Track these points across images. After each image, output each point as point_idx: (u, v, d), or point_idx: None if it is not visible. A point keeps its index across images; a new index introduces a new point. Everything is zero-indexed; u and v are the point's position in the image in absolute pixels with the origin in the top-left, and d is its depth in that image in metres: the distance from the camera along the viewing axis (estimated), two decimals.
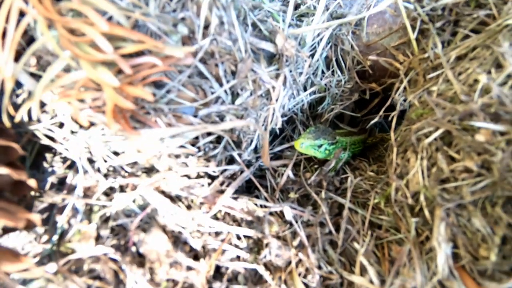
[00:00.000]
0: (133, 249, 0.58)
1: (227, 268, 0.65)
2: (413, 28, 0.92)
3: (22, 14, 0.51)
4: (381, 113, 0.93)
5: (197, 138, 0.71)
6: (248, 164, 0.87)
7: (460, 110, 0.65)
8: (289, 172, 0.92)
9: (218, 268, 0.65)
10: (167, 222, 0.60)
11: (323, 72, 1.07)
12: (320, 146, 0.95)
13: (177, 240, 0.61)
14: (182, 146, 0.65)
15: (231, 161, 0.85)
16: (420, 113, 0.78)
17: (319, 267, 0.73)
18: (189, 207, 0.67)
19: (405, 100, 0.89)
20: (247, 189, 0.92)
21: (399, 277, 0.67)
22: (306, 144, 0.93)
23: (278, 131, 1.11)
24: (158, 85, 0.63)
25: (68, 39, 0.47)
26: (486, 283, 0.56)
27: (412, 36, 0.90)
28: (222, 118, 0.75)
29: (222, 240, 0.66)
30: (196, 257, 0.64)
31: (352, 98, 1.13)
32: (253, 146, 0.87)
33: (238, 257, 0.68)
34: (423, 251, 0.68)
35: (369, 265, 0.69)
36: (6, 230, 0.52)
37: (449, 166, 0.67)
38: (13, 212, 0.44)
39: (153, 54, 0.55)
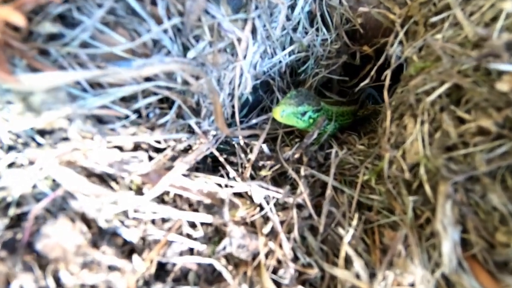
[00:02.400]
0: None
1: (174, 265, 0.50)
2: None
3: None
4: (372, 73, 0.78)
5: (136, 99, 0.55)
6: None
7: (474, 55, 0.50)
8: (262, 145, 0.76)
9: (163, 265, 0.51)
10: (86, 208, 0.45)
11: (305, 29, 0.90)
12: (303, 113, 0.79)
13: (103, 232, 0.46)
14: (107, 108, 0.49)
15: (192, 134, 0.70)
16: (420, 67, 0.62)
17: (295, 259, 0.60)
18: (129, 188, 0.52)
19: (400, 57, 0.73)
20: (215, 169, 0.77)
21: (393, 269, 0.53)
22: (288, 112, 0.77)
23: (251, 100, 0.95)
24: (69, 23, 0.46)
25: None
26: (506, 277, 0.43)
27: None
28: (171, 76, 0.59)
29: (169, 229, 0.52)
30: (132, 252, 0.49)
31: (339, 60, 0.96)
32: None
33: (191, 250, 0.54)
34: (422, 236, 0.54)
35: (355, 255, 0.56)
36: None
37: (457, 129, 0.52)
38: None
39: None
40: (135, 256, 0.46)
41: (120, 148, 0.51)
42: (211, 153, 0.72)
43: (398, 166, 0.61)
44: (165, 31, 0.54)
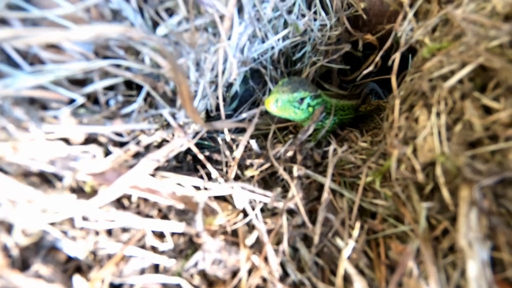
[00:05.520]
0: None
1: (132, 286, 0.41)
2: None
3: None
4: (377, 59, 0.68)
5: (91, 82, 0.45)
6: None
7: (506, 28, 0.40)
8: (250, 141, 0.67)
9: (118, 287, 0.41)
10: (12, 216, 0.36)
11: (301, 11, 0.80)
12: (301, 101, 0.69)
13: (38, 245, 0.37)
14: (43, 88, 0.39)
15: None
16: (435, 48, 0.52)
17: (285, 276, 0.50)
18: (75, 190, 0.43)
19: (410, 39, 0.63)
20: (198, 168, 0.67)
21: None
22: (283, 100, 0.67)
23: (242, 91, 0.85)
24: None
25: None
26: None
27: None
28: (137, 57, 0.49)
29: (127, 241, 0.42)
30: (79, 270, 0.40)
31: (339, 49, 0.87)
32: (195, 104, 0.61)
33: (156, 267, 0.44)
34: (439, 251, 0.45)
35: (356, 273, 0.46)
36: None
37: (483, 120, 0.42)
38: None
39: None
40: (76, 277, 0.36)
41: (67, 141, 0.41)
42: (190, 149, 0.62)
43: (408, 165, 0.51)
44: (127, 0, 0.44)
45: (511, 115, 0.40)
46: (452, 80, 0.46)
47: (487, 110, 0.44)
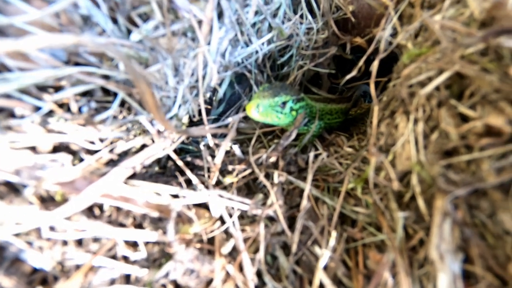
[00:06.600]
0: None
1: None
2: None
3: None
4: (361, 63, 0.67)
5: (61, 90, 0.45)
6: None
7: (479, 35, 0.39)
8: (233, 147, 0.66)
9: None
10: None
11: (286, 15, 0.80)
12: (283, 105, 0.68)
13: (1, 257, 0.36)
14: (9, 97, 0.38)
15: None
16: (415, 54, 0.52)
17: (261, 285, 0.49)
18: (44, 199, 0.42)
19: (391, 43, 0.62)
20: (181, 175, 0.66)
21: None
22: (264, 105, 0.66)
23: (228, 95, 0.85)
24: None
25: None
26: None
27: None
28: (110, 63, 0.49)
29: (97, 251, 0.41)
30: (44, 281, 0.39)
31: (327, 52, 0.86)
32: (175, 109, 0.60)
33: (127, 277, 0.43)
34: (414, 262, 0.44)
35: (331, 284, 0.45)
36: None
37: (458, 129, 0.42)
38: None
39: None
40: None
41: (34, 149, 0.41)
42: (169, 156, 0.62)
43: (387, 173, 0.50)
44: (97, 5, 0.44)
45: (485, 124, 0.39)
46: (429, 87, 0.45)
47: (464, 118, 0.43)
